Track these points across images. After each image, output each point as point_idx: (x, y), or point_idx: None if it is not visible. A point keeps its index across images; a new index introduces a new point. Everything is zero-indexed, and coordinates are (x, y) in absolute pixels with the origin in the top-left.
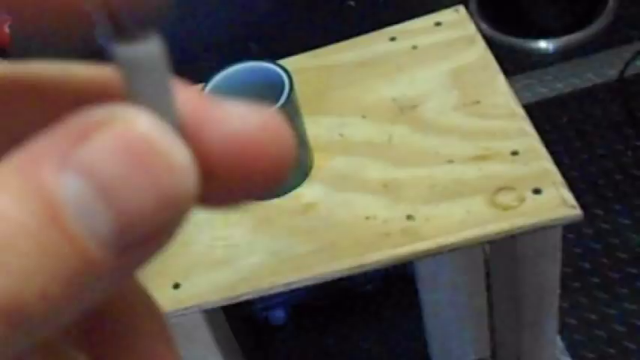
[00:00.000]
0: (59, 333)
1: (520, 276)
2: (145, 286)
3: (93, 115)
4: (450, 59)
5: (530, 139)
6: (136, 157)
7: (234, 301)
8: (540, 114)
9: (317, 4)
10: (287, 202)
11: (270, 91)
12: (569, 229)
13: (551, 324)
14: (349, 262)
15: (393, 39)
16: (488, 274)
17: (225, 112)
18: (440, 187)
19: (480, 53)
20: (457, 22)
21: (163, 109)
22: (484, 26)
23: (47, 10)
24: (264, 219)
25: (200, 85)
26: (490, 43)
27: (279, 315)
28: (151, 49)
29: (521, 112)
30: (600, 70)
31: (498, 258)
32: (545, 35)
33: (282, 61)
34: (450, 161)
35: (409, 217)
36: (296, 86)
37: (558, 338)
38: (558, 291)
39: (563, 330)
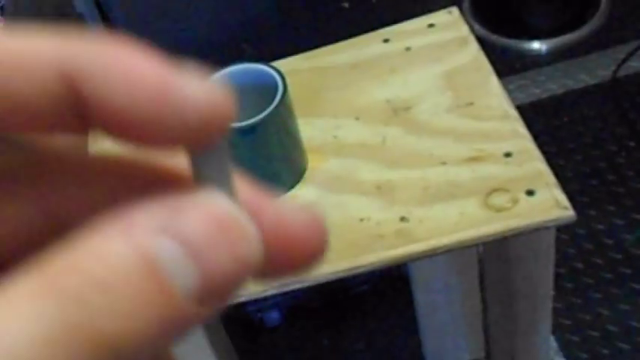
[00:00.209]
0: None
1: (514, 277)
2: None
3: (184, 194)
4: (443, 61)
5: (523, 141)
6: (221, 229)
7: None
8: (533, 115)
9: (310, 6)
10: None
11: (263, 92)
12: (563, 229)
13: (545, 324)
14: (343, 264)
15: (386, 40)
16: (482, 275)
17: (278, 205)
18: (433, 189)
19: (473, 55)
20: (450, 23)
21: (229, 192)
22: (477, 27)
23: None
24: None
25: None
26: (483, 44)
27: (274, 316)
28: (218, 146)
29: (514, 113)
30: (593, 71)
31: (492, 259)
32: (538, 36)
33: (275, 63)
34: (444, 163)
35: (403, 219)
36: (290, 88)
37: (552, 338)
38: (552, 291)
39: (557, 330)
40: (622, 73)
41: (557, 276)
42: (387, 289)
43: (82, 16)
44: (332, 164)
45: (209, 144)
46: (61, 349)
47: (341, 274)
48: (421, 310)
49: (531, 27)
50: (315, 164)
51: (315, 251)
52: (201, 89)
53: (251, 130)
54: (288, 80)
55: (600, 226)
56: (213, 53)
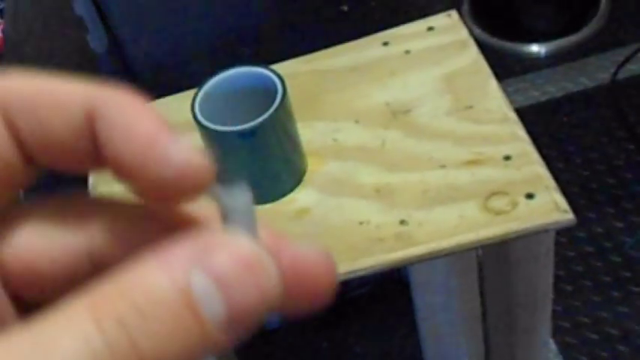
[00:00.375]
0: None
1: (513, 280)
2: None
3: (214, 236)
4: (442, 64)
5: (522, 144)
6: (247, 267)
7: None
8: (533, 118)
9: (310, 8)
10: (280, 207)
11: (263, 96)
12: (562, 232)
13: (545, 327)
14: (343, 267)
15: (385, 44)
16: (481, 278)
17: (294, 245)
18: (433, 192)
19: (472, 58)
20: (450, 26)
21: (253, 234)
22: (477, 30)
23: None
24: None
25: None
26: (482, 47)
27: (273, 319)
28: (244, 197)
29: (513, 116)
30: (592, 74)
31: (491, 262)
32: (537, 39)
33: (275, 66)
34: (443, 166)
35: (402, 222)
36: (289, 91)
37: (551, 341)
38: (551, 294)
39: (557, 333)
40: (621, 76)
41: (557, 279)
42: (387, 292)
43: (81, 18)
44: (331, 167)
45: (187, 199)
46: None
47: (340, 277)
48: (420, 313)
49: (530, 30)
50: (314, 167)
51: (327, 286)
52: (183, 150)
53: (251, 133)
54: (288, 83)
55: (600, 229)
56: (212, 56)
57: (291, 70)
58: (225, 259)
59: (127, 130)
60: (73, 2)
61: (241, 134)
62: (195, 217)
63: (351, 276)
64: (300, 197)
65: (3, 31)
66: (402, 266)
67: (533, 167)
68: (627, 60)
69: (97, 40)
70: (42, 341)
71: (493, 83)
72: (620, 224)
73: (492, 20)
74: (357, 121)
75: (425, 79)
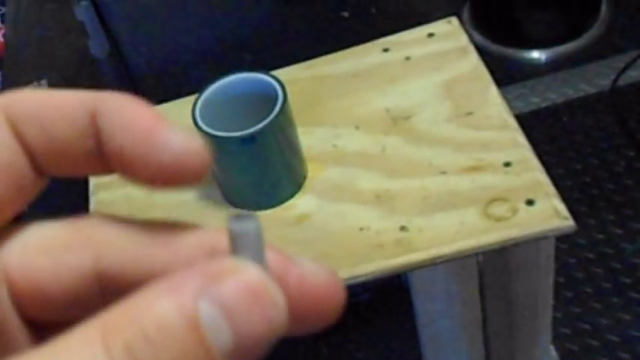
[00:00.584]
0: None
1: (513, 286)
2: None
3: (221, 264)
4: (442, 70)
5: (522, 150)
6: (253, 296)
7: None
8: (533, 124)
9: (310, 15)
10: (280, 213)
11: (263, 101)
12: (563, 239)
13: (545, 334)
14: (343, 273)
15: (386, 50)
16: (482, 285)
17: (301, 266)
18: (433, 199)
19: (472, 64)
20: (450, 33)
21: (261, 263)
22: (477, 37)
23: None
24: None
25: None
26: (483, 53)
27: None
28: (253, 225)
29: (513, 122)
30: (593, 80)
31: (492, 268)
32: (537, 45)
33: (275, 72)
34: (443, 172)
35: (403, 229)
36: (289, 97)
37: (552, 348)
38: (552, 301)
39: (557, 340)
40: (622, 82)
41: (557, 285)
42: (387, 298)
43: (82, 24)
44: (331, 173)
45: (188, 184)
46: None
47: None
48: (421, 319)
49: (531, 36)
50: (314, 173)
51: (334, 306)
52: (181, 137)
53: (251, 139)
54: (288, 89)
55: (600, 236)
56: (213, 62)
57: (292, 76)
58: (232, 288)
59: (128, 123)
60: (75, 8)
61: (242, 140)
62: (202, 234)
63: (352, 282)
64: (301, 203)
65: (4, 36)
66: (402, 272)
67: (534, 174)
68: (628, 67)
69: (98, 46)
70: None
71: (493, 89)
72: (620, 231)
73: (493, 26)
74: (357, 127)
75: (425, 86)
